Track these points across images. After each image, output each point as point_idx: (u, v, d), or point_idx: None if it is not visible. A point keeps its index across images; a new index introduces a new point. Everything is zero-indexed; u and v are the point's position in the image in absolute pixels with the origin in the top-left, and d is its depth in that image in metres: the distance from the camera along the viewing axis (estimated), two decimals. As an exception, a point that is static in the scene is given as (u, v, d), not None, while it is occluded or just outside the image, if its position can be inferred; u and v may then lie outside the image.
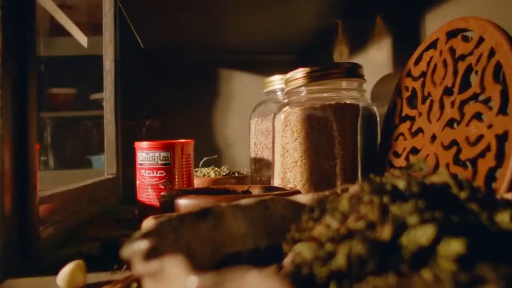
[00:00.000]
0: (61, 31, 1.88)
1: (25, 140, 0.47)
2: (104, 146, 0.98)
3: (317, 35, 1.04)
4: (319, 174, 0.61)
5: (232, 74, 1.17)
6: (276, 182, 0.64)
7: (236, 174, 0.89)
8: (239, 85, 1.17)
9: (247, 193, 0.56)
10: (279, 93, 0.85)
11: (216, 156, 0.97)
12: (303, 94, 0.65)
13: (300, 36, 1.06)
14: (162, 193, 0.51)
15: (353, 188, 0.29)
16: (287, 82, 0.67)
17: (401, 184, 0.26)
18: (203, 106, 1.15)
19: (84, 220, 0.71)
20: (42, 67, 1.88)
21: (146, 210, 0.71)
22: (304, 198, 0.39)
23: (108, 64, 0.99)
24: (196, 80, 1.15)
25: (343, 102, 0.62)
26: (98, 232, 0.67)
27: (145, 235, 0.24)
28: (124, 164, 1.01)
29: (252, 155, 0.86)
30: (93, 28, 1.78)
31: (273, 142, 0.67)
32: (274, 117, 0.67)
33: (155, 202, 0.70)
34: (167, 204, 0.48)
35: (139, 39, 1.04)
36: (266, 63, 1.16)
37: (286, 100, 0.68)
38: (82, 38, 1.06)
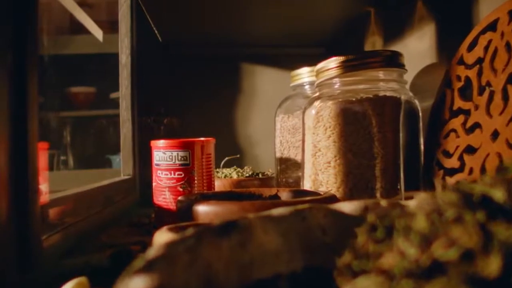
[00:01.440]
0: (81, 29, 1.86)
1: (24, 137, 0.41)
2: (120, 145, 0.92)
3: (346, 25, 0.97)
4: (355, 176, 0.54)
5: (255, 69, 1.11)
6: (307, 185, 0.58)
7: (260, 175, 0.82)
8: (263, 81, 1.10)
9: (275, 198, 0.49)
10: (307, 87, 0.78)
11: (238, 156, 0.90)
12: (336, 86, 0.58)
13: (328, 27, 0.99)
14: (179, 198, 0.44)
15: (424, 199, 0.22)
16: (318, 73, 0.60)
17: (498, 194, 0.19)
18: (224, 103, 1.08)
19: (97, 225, 0.66)
20: (62, 65, 1.85)
21: (163, 214, 0.65)
22: (348, 206, 0.32)
23: (124, 58, 0.93)
24: (217, 75, 1.09)
25: (382, 94, 0.55)
26: (111, 238, 0.62)
27: (150, 265, 0.18)
28: (142, 164, 0.95)
29: (278, 154, 0.80)
30: (112, 26, 1.75)
31: (303, 141, 0.60)
32: (304, 112, 0.60)
33: (173, 206, 0.64)
34: (185, 211, 0.42)
35: (157, 32, 0.98)
36: (291, 57, 1.09)
37: (317, 94, 0.61)
38: (99, 35, 1.01)
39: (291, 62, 1.09)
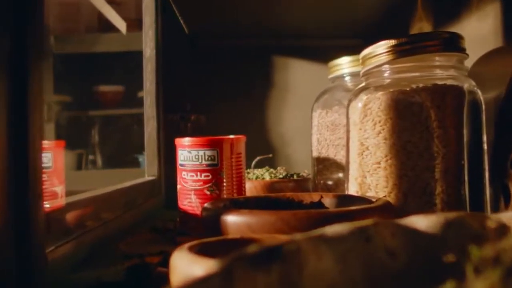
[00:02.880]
0: (110, 27, 1.83)
1: (25, 134, 0.35)
2: (144, 144, 0.87)
3: (386, 13, 0.88)
4: (410, 179, 0.46)
5: (288, 61, 1.03)
6: (352, 189, 0.50)
7: (295, 177, 0.75)
8: (296, 74, 1.03)
9: (319, 206, 0.42)
10: (347, 78, 0.70)
11: (271, 156, 0.83)
12: (386, 74, 0.50)
13: (366, 16, 0.91)
14: (205, 206, 0.37)
15: None
16: (365, 59, 0.52)
17: None
18: (255, 98, 1.01)
19: (116, 231, 0.60)
20: (90, 64, 1.83)
21: (188, 219, 0.59)
22: (423, 222, 0.25)
23: (149, 52, 0.88)
24: (247, 69, 1.02)
25: (442, 83, 0.47)
26: (131, 246, 0.55)
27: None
28: (167, 164, 0.89)
29: (315, 154, 0.72)
30: (140, 24, 1.72)
31: (348, 138, 0.52)
32: (348, 105, 0.53)
33: (199, 211, 0.58)
34: (211, 221, 0.35)
35: (183, 24, 0.92)
36: (326, 49, 1.01)
37: (363, 83, 0.53)
38: (123, 28, 0.96)
39: (326, 55, 1.00)
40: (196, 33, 0.96)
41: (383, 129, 0.47)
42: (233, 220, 0.32)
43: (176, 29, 0.92)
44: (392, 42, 0.48)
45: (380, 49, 0.49)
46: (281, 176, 0.73)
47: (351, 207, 0.36)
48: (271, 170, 0.76)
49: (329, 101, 0.71)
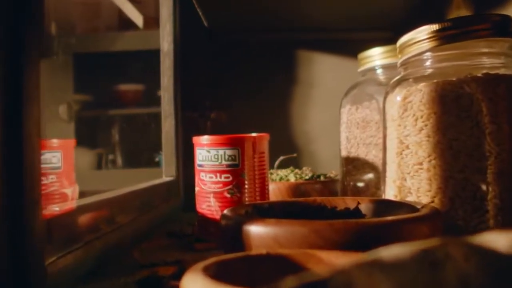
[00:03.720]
0: (129, 26, 1.81)
1: (19, 130, 0.31)
2: (162, 143, 0.82)
3: (420, 2, 0.82)
4: (458, 183, 0.40)
5: (313, 56, 0.98)
6: (390, 192, 0.44)
7: (322, 178, 0.70)
8: (321, 69, 0.97)
9: (357, 214, 0.36)
10: (379, 71, 0.65)
11: (296, 155, 0.78)
12: (428, 64, 0.44)
13: (398, 6, 0.85)
14: (224, 212, 0.33)
15: None
16: (403, 47, 0.46)
17: None
18: (278, 94, 0.96)
19: (131, 236, 0.55)
20: (110, 62, 1.81)
21: (207, 224, 0.54)
22: (503, 240, 0.20)
23: (166, 46, 0.83)
24: (270, 64, 0.97)
25: (494, 72, 0.41)
26: (145, 254, 0.51)
27: None
28: (186, 164, 0.85)
29: (343, 153, 0.67)
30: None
31: (384, 135, 0.47)
32: (384, 99, 0.47)
33: (219, 215, 0.53)
34: (231, 231, 0.30)
35: (202, 16, 0.88)
36: (353, 43, 0.95)
37: (401, 74, 0.47)
38: (140, 21, 0.92)
39: (353, 48, 0.94)
40: (215, 26, 0.91)
41: (425, 125, 0.42)
42: (257, 231, 0.27)
43: (195, 23, 0.88)
44: (435, 26, 0.43)
45: (421, 35, 0.44)
46: (307, 177, 0.68)
47: (395, 216, 0.30)
48: (296, 170, 0.70)
49: (359, 96, 0.65)
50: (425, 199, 0.41)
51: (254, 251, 0.26)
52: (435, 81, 0.42)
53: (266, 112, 0.95)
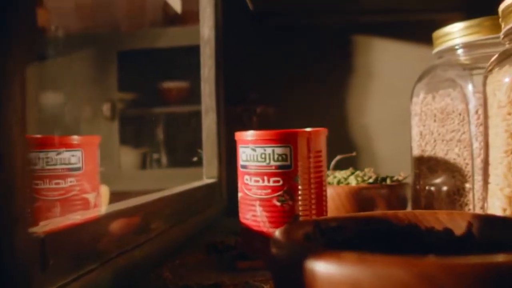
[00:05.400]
0: (174, 21, 1.76)
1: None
2: (202, 140, 0.74)
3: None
4: None
5: (372, 42, 0.86)
6: (495, 204, 0.33)
7: (389, 181, 0.59)
8: (381, 56, 0.86)
9: (469, 240, 0.25)
10: (460, 51, 0.53)
11: (355, 154, 0.67)
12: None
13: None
14: (276, 235, 0.23)
15: None
16: (507, 13, 0.35)
17: None
18: (332, 86, 0.86)
19: (162, 249, 0.47)
20: (154, 59, 1.77)
21: (252, 238, 0.45)
22: None
23: (207, 32, 0.75)
24: (323, 52, 0.86)
25: None
26: (176, 273, 0.42)
27: None
28: (230, 164, 0.76)
29: (416, 152, 0.55)
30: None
31: (486, 127, 0.35)
32: (484, 81, 0.36)
33: (266, 228, 0.44)
34: (287, 268, 0.20)
35: (247, -1, 0.78)
36: (420, 25, 0.83)
37: (505, 47, 0.36)
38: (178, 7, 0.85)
39: (418, 33, 0.83)
40: (262, 10, 0.82)
41: (550, 113, 0.30)
42: (328, 273, 0.17)
43: (239, 6, 0.78)
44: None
45: (538, -7, 0.32)
46: (370, 180, 0.58)
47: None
48: (358, 172, 0.60)
49: (437, 82, 0.54)
50: (549, 215, 0.30)
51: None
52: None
53: (319, 105, 0.84)
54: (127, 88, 1.71)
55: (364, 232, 0.27)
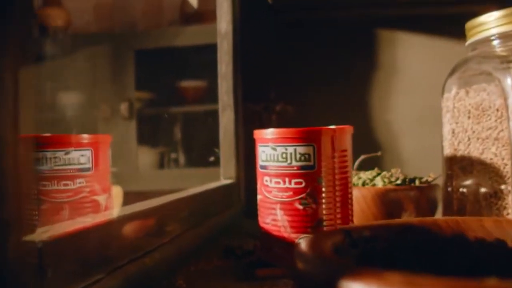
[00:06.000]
0: (191, 20, 1.75)
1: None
2: (220, 139, 0.71)
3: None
4: None
5: (396, 36, 0.83)
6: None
7: (418, 182, 0.55)
8: (407, 51, 0.82)
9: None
10: (496, 42, 0.49)
11: (380, 154, 0.64)
12: None
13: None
14: (301, 247, 0.20)
15: None
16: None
17: None
18: (354, 82, 0.82)
19: (177, 255, 0.44)
20: (172, 58, 1.76)
21: (272, 244, 0.42)
22: None
23: (224, 27, 0.72)
24: (345, 47, 0.83)
25: None
26: (190, 281, 0.39)
27: None
28: (248, 164, 0.73)
29: (448, 151, 0.52)
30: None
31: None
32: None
33: (287, 233, 0.40)
34: (318, 287, 0.17)
35: (265, -8, 0.75)
36: (449, 18, 0.79)
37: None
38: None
39: (446, 26, 0.79)
40: (281, 3, 0.78)
41: None
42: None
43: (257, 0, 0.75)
44: None
45: None
46: (398, 181, 0.54)
47: None
48: (384, 173, 0.56)
49: (470, 76, 0.50)
50: None
51: None
52: None
53: (341, 103, 0.81)
54: (145, 87, 1.70)
55: (401, 243, 0.23)
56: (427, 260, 0.23)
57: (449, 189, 0.52)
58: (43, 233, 0.24)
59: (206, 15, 1.67)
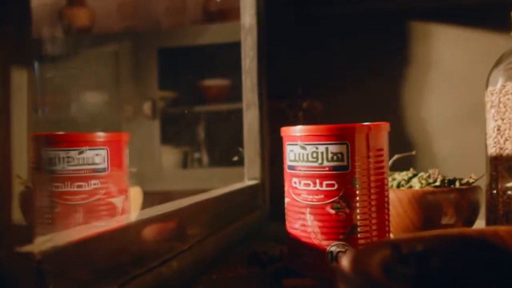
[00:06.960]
0: (215, 18, 1.73)
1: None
2: (244, 138, 0.68)
3: None
4: None
5: (430, 29, 0.78)
6: None
7: (458, 184, 0.51)
8: (441, 45, 0.77)
9: None
10: (549, 31, 0.44)
11: (414, 153, 0.59)
12: None
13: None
14: (344, 268, 0.16)
15: None
16: None
17: None
18: (385, 78, 0.78)
19: (199, 260, 0.41)
20: (195, 57, 1.75)
21: (301, 252, 0.39)
22: None
23: (248, 21, 0.69)
24: (375, 41, 0.79)
25: None
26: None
27: None
28: (274, 164, 0.70)
29: (492, 150, 0.47)
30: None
31: None
32: None
33: (318, 240, 0.37)
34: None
35: (291, -16, 0.72)
36: (486, 8, 0.74)
37: None
38: None
39: (486, 15, 0.74)
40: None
41: None
42: None
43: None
44: None
45: None
46: (437, 183, 0.50)
47: None
48: (421, 174, 0.52)
49: (519, 68, 0.45)
50: None
51: None
52: None
53: (372, 99, 0.77)
54: (168, 86, 1.69)
55: (459, 259, 0.20)
56: (489, 281, 0.19)
57: (494, 191, 0.48)
58: (44, 243, 0.21)
59: (229, 12, 1.65)
